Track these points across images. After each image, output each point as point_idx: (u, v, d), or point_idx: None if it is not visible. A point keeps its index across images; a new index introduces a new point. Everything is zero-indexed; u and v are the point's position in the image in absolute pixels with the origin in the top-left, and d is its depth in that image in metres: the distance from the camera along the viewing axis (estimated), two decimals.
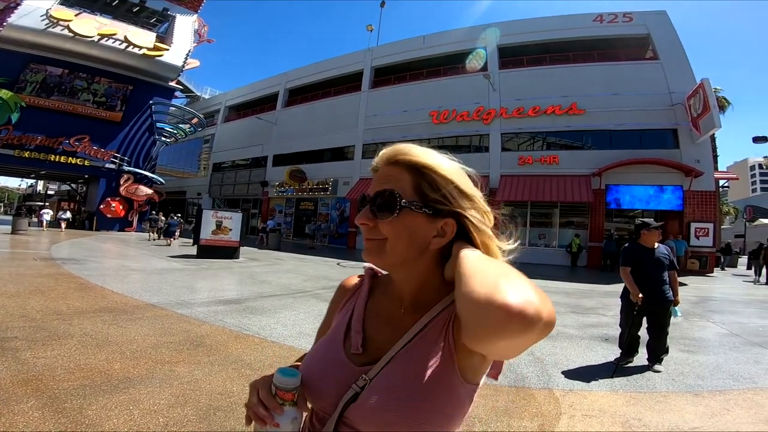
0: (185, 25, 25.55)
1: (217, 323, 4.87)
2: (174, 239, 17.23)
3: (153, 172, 25.41)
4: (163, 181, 26.45)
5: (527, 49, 20.09)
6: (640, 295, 3.87)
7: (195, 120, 26.91)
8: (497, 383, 3.52)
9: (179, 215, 22.68)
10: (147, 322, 4.66)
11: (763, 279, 14.78)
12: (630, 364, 4.06)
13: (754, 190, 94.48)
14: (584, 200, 16.38)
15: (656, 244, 4.10)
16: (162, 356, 3.57)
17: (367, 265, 0.78)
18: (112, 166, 23.35)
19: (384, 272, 0.80)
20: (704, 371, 3.94)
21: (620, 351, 4.12)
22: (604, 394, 3.30)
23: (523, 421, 2.74)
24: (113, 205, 22.86)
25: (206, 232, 12.92)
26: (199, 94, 36.93)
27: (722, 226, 49.65)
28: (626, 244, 4.30)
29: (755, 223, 51.20)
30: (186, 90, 34.80)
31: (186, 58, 25.38)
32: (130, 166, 23.82)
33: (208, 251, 12.64)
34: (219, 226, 13.11)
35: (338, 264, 13.38)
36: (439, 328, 0.64)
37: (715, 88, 16.80)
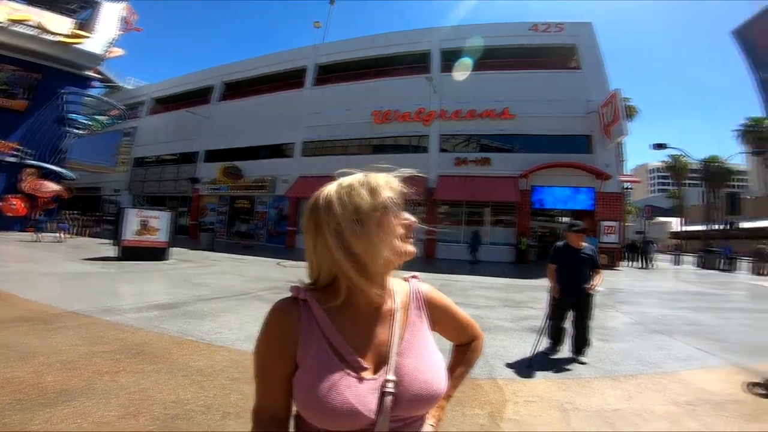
0: (111, 12, 23.65)
1: (154, 330, 4.58)
2: (66, 235, 17.05)
3: (62, 167, 22.75)
4: (74, 176, 23.75)
5: (467, 54, 21.07)
6: (571, 291, 4.26)
7: (115, 111, 24.56)
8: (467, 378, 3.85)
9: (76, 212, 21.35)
10: (72, 332, 4.25)
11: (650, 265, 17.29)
12: (559, 354, 4.45)
13: (652, 191, 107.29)
14: (513, 200, 17.67)
15: (582, 244, 4.45)
16: (98, 367, 3.30)
17: (293, 286, 0.80)
18: (13, 159, 20.60)
19: (308, 290, 0.80)
20: (618, 357, 4.41)
21: (549, 342, 4.50)
22: (540, 381, 3.64)
23: (474, 410, 2.97)
24: (14, 202, 20.11)
25: (129, 233, 11.91)
26: (121, 84, 34.04)
27: (626, 224, 56.23)
28: (556, 243, 4.67)
29: (653, 220, 58.62)
30: (107, 80, 31.81)
31: (108, 47, 23.38)
32: (34, 160, 21.13)
33: (132, 253, 11.65)
34: (145, 226, 12.15)
35: (278, 264, 13.05)
36: (414, 309, 0.86)
37: (626, 98, 18.91)
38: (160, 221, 12.43)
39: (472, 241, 17.22)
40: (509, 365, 4.07)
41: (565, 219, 19.89)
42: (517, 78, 19.69)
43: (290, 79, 24.71)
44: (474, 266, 15.34)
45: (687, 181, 54.09)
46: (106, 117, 24.84)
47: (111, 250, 12.18)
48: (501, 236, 18.90)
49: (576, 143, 18.49)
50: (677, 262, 22.71)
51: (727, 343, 5.11)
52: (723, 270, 18.64)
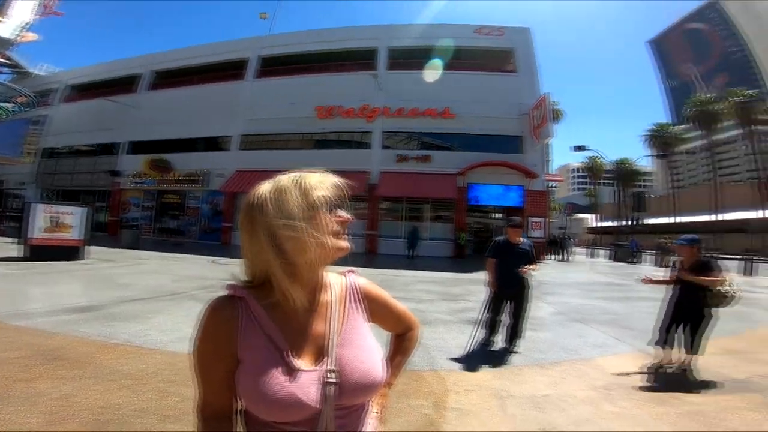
0: None
1: (72, 334, 4.17)
2: None
3: None
4: None
5: (413, 53, 21.37)
6: (509, 284, 4.49)
7: (22, 98, 21.72)
8: (406, 367, 3.95)
9: None
10: None
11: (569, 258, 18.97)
12: (494, 345, 4.67)
13: (573, 190, 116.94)
14: (451, 197, 18.41)
15: (520, 239, 4.68)
16: (11, 373, 2.97)
17: (229, 284, 0.81)
18: None
19: (245, 287, 0.81)
20: (544, 346, 4.75)
21: (486, 332, 4.71)
22: (478, 371, 3.85)
23: (419, 400, 3.09)
24: None
25: (37, 230, 10.64)
26: (31, 70, 30.38)
27: (551, 220, 61.03)
28: (496, 238, 4.87)
29: (573, 216, 64.24)
30: (15, 65, 28.40)
31: (20, 31, 21.00)
32: None
33: (41, 252, 10.41)
34: (56, 222, 10.93)
35: (213, 262, 12.43)
36: (351, 302, 0.90)
37: (553, 102, 20.45)
38: (74, 217, 11.24)
39: (410, 237, 17.69)
40: (449, 356, 4.25)
41: (498, 215, 21.13)
42: (459, 79, 20.41)
43: (229, 70, 23.56)
44: (414, 261, 15.75)
45: (602, 181, 60.01)
46: (12, 104, 21.93)
47: (15, 250, 10.81)
48: (440, 232, 19.61)
49: (509, 143, 19.64)
50: (592, 255, 25.17)
51: (635, 331, 5.64)
52: (631, 262, 20.96)
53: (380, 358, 0.84)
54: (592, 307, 7.50)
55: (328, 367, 0.77)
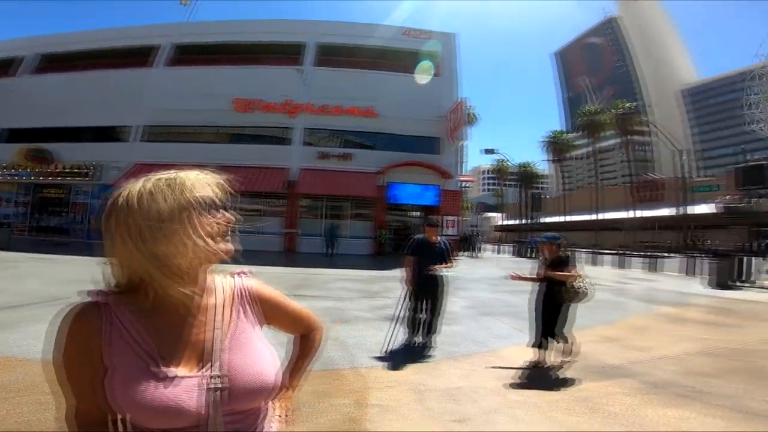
0: None
1: None
2: None
3: None
4: None
5: (341, 50, 21.08)
6: (426, 281, 4.59)
7: None
8: (310, 368, 3.84)
9: None
10: None
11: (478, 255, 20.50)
12: (412, 340, 4.78)
13: (484, 190, 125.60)
14: (371, 195, 18.68)
15: (437, 238, 4.79)
16: None
17: (91, 290, 0.76)
18: None
19: (111, 293, 0.77)
20: (457, 339, 5.00)
21: (408, 330, 4.78)
22: (397, 367, 3.94)
23: (341, 399, 3.09)
24: None
25: None
26: None
27: (464, 219, 65.15)
28: (415, 236, 4.94)
29: (483, 215, 69.33)
30: None
31: None
32: None
33: None
34: None
35: (105, 263, 11.03)
36: (240, 305, 0.85)
37: (469, 106, 21.73)
38: None
39: (328, 236, 17.58)
40: (369, 353, 4.29)
41: (416, 213, 21.99)
42: (385, 78, 20.72)
43: (134, 57, 21.31)
44: (334, 259, 15.68)
45: (508, 183, 65.69)
46: None
47: None
48: (360, 230, 19.77)
49: (427, 144, 20.44)
50: (499, 252, 27.43)
51: (529, 323, 6.21)
52: (530, 257, 23.21)
53: (272, 361, 0.82)
54: (498, 301, 8.09)
55: (213, 373, 0.74)
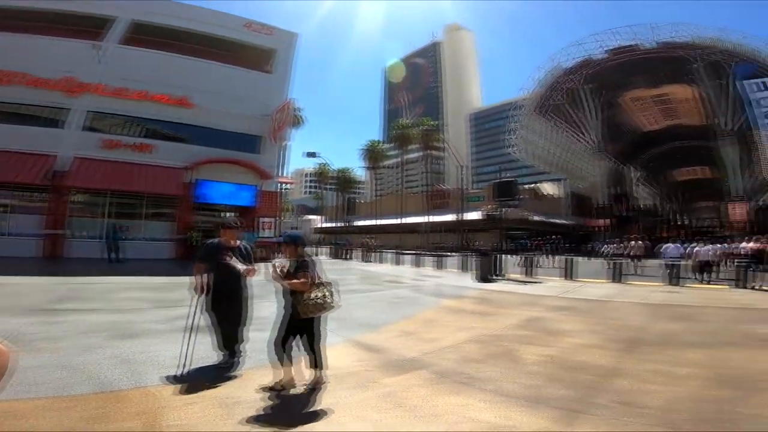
0: None
1: None
2: None
3: None
4: None
5: (163, 32, 17.93)
6: (224, 289, 4.12)
7: None
8: (76, 393, 3.08)
9: None
10: None
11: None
12: (216, 351, 4.27)
13: (306, 193, 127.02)
14: (174, 193, 16.48)
15: (236, 242, 4.29)
16: None
17: None
18: None
19: None
20: (264, 345, 4.47)
21: (215, 342, 4.21)
22: (198, 381, 3.51)
23: (125, 423, 2.62)
24: None
25: None
26: None
27: (284, 220, 64.48)
28: (209, 241, 4.42)
29: (304, 218, 70.03)
30: None
31: None
32: None
33: None
34: None
35: None
36: None
37: (298, 107, 21.46)
38: None
39: (110, 238, 14.69)
40: (163, 370, 3.78)
41: (230, 214, 20.51)
42: (209, 68, 18.67)
43: None
44: (121, 265, 13.19)
45: (328, 186, 68.35)
46: None
47: None
48: (159, 231, 17.21)
49: (248, 142, 19.35)
50: (317, 254, 28.16)
51: (343, 321, 6.23)
52: (345, 258, 24.69)
53: None
54: None
55: None
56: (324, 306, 3.42)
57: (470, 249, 24.62)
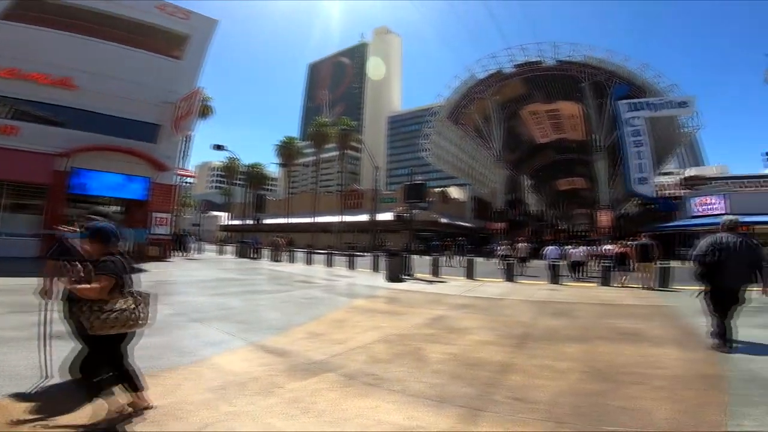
0: None
1: None
2: None
3: None
4: None
5: (52, 8, 15.43)
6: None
7: None
8: None
9: None
10: None
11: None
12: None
13: (212, 188, 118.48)
14: (42, 181, 14.06)
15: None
16: None
17: None
18: None
19: None
20: (157, 352, 4.30)
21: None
22: (67, 393, 3.02)
23: None
24: None
25: None
26: None
27: (185, 216, 59.03)
28: (60, 237, 3.74)
29: (208, 214, 64.89)
30: None
31: None
32: None
33: None
34: None
35: None
36: None
37: (207, 97, 19.63)
38: None
39: None
40: (17, 382, 3.29)
41: (116, 208, 18.13)
42: (104, 50, 16.37)
43: None
44: None
45: (237, 182, 64.35)
46: None
47: None
48: (22, 225, 14.52)
49: (144, 130, 17.39)
50: (221, 252, 26.33)
51: (248, 324, 6.03)
52: (252, 258, 23.36)
53: None
54: (211, 304, 7.60)
55: None
56: (128, 321, 2.66)
57: (382, 249, 25.14)
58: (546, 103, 46.12)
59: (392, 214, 40.88)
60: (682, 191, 41.74)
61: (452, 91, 45.56)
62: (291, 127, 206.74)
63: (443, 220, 42.76)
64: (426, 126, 49.72)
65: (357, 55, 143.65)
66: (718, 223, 5.35)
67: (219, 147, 24.47)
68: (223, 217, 64.39)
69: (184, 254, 21.68)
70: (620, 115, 35.29)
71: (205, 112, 37.17)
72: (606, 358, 4.53)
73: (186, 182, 32.01)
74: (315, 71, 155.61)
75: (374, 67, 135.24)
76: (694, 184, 45.49)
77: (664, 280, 11.11)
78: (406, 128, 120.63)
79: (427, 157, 49.75)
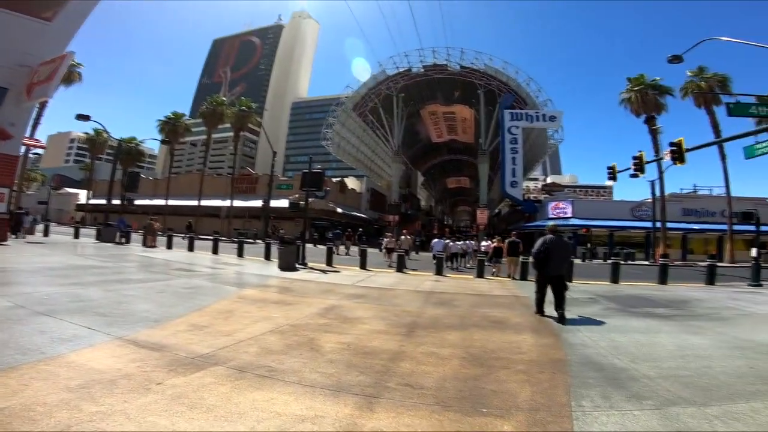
0: None
1: None
2: None
3: None
4: None
5: None
6: None
7: None
8: None
9: None
10: None
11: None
12: None
13: (68, 161, 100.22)
14: None
15: None
16: None
17: None
18: None
19: None
20: None
21: None
22: None
23: None
24: None
25: None
26: None
27: (28, 192, 48.73)
28: None
29: (62, 191, 54.53)
30: None
31: None
32: None
33: None
34: None
35: None
36: None
37: (77, 63, 16.05)
38: None
39: None
40: None
41: None
42: None
43: None
44: None
45: (103, 156, 55.21)
46: None
47: None
48: None
49: None
50: (77, 235, 22.38)
51: (111, 317, 5.31)
52: (119, 243, 20.33)
53: None
54: (63, 295, 6.45)
55: None
56: None
57: (275, 237, 24.25)
58: (445, 105, 49.49)
59: (287, 200, 39.70)
60: (543, 196, 48.74)
61: (362, 84, 46.14)
62: (184, 105, 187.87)
63: (339, 210, 42.97)
64: (331, 115, 49.17)
65: (270, 35, 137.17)
66: (564, 225, 6.99)
67: (84, 117, 20.74)
68: (83, 195, 54.84)
69: (20, 236, 17.97)
70: (504, 123, 39.51)
71: (71, 78, 31.83)
72: (480, 344, 5.06)
73: (34, 153, 26.52)
74: (218, 47, 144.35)
75: (285, 50, 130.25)
76: (551, 189, 53.59)
77: (524, 273, 13.11)
78: (310, 115, 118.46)
79: (329, 146, 49.31)
